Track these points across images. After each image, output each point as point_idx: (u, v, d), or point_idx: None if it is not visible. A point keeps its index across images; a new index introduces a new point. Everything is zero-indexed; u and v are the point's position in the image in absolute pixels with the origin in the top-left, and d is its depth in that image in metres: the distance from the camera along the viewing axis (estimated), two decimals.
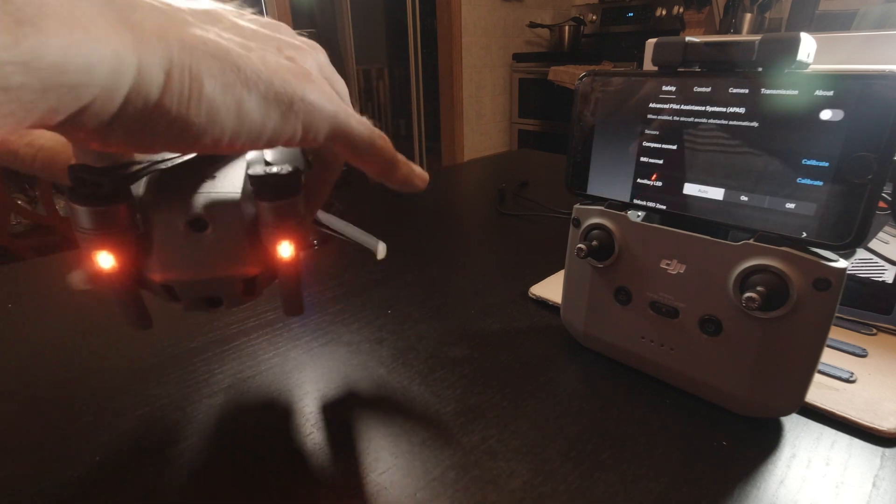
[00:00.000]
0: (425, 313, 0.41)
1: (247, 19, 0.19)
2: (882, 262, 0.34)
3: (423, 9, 3.06)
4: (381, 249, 0.29)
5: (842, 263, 0.23)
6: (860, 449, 0.26)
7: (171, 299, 0.21)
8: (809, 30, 0.39)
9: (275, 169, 0.20)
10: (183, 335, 0.38)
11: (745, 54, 0.24)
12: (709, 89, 0.26)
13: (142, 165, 0.19)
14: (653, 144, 0.28)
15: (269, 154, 0.23)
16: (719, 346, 0.28)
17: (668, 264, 0.29)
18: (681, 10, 2.52)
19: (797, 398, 0.26)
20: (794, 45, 0.22)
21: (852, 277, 0.35)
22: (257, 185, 0.20)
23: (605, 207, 0.31)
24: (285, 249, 0.21)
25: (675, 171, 0.28)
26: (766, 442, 0.27)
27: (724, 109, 0.25)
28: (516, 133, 3.13)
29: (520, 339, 0.37)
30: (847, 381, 0.30)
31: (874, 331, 0.34)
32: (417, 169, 0.24)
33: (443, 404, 0.30)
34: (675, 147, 0.27)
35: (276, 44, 0.18)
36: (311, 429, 0.28)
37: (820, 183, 0.23)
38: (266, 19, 0.20)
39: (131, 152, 0.19)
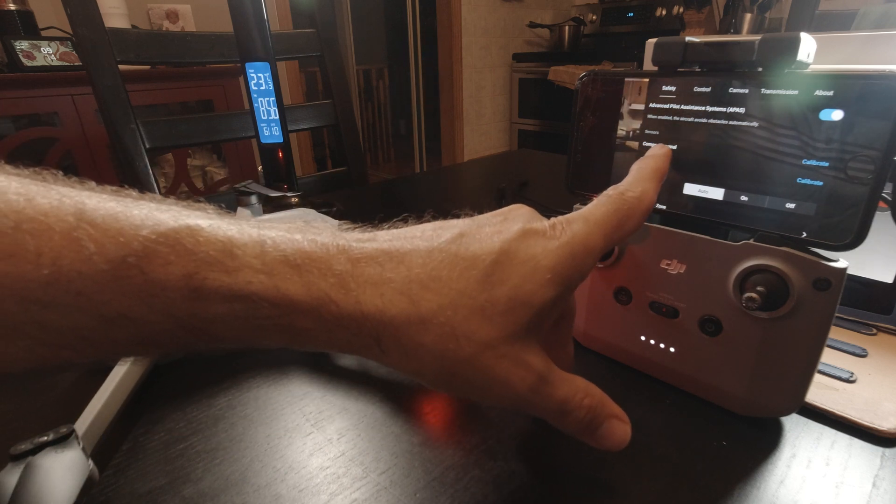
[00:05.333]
0: None
1: None
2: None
3: (423, 9, 3.06)
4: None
5: (842, 263, 0.23)
6: (860, 449, 0.26)
7: None
8: (809, 30, 0.39)
9: None
10: None
11: (745, 54, 0.24)
12: (709, 89, 0.26)
13: None
14: (653, 145, 0.28)
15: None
16: (719, 346, 0.28)
17: (668, 264, 0.29)
18: (681, 10, 2.52)
19: (797, 398, 0.26)
20: (794, 45, 0.22)
21: (852, 277, 0.35)
22: None
23: None
24: None
25: (675, 171, 0.28)
26: (766, 442, 0.27)
27: (724, 109, 0.25)
28: (516, 133, 3.13)
29: None
30: (847, 381, 0.30)
31: (874, 331, 0.34)
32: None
33: (443, 404, 0.30)
34: (675, 147, 0.27)
35: None
36: (311, 429, 0.28)
37: (820, 183, 0.23)
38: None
39: None
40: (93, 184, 0.17)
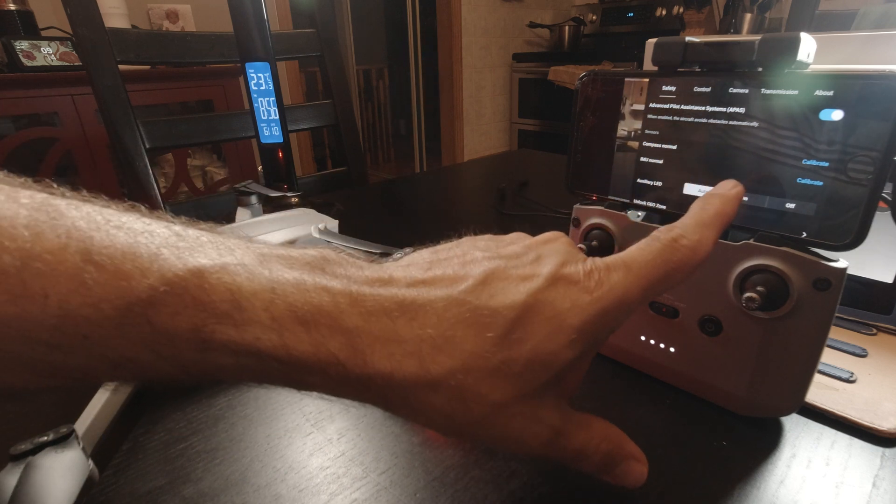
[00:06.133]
0: None
1: None
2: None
3: (423, 9, 3.06)
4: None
5: (842, 263, 0.23)
6: (860, 449, 0.26)
7: None
8: (809, 30, 0.39)
9: None
10: None
11: (745, 54, 0.24)
12: (709, 89, 0.26)
13: None
14: (653, 144, 0.28)
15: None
16: (719, 346, 0.28)
17: None
18: (681, 10, 2.52)
19: (797, 398, 0.26)
20: (794, 45, 0.22)
21: (852, 277, 0.35)
22: None
23: (605, 207, 0.31)
24: None
25: (676, 171, 0.28)
26: (766, 442, 0.27)
27: (724, 109, 0.25)
28: (516, 133, 3.13)
29: None
30: (847, 381, 0.30)
31: (874, 331, 0.34)
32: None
33: None
34: (675, 147, 0.27)
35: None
36: (311, 429, 0.28)
37: (820, 183, 0.23)
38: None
39: None
40: (103, 201, 0.17)
